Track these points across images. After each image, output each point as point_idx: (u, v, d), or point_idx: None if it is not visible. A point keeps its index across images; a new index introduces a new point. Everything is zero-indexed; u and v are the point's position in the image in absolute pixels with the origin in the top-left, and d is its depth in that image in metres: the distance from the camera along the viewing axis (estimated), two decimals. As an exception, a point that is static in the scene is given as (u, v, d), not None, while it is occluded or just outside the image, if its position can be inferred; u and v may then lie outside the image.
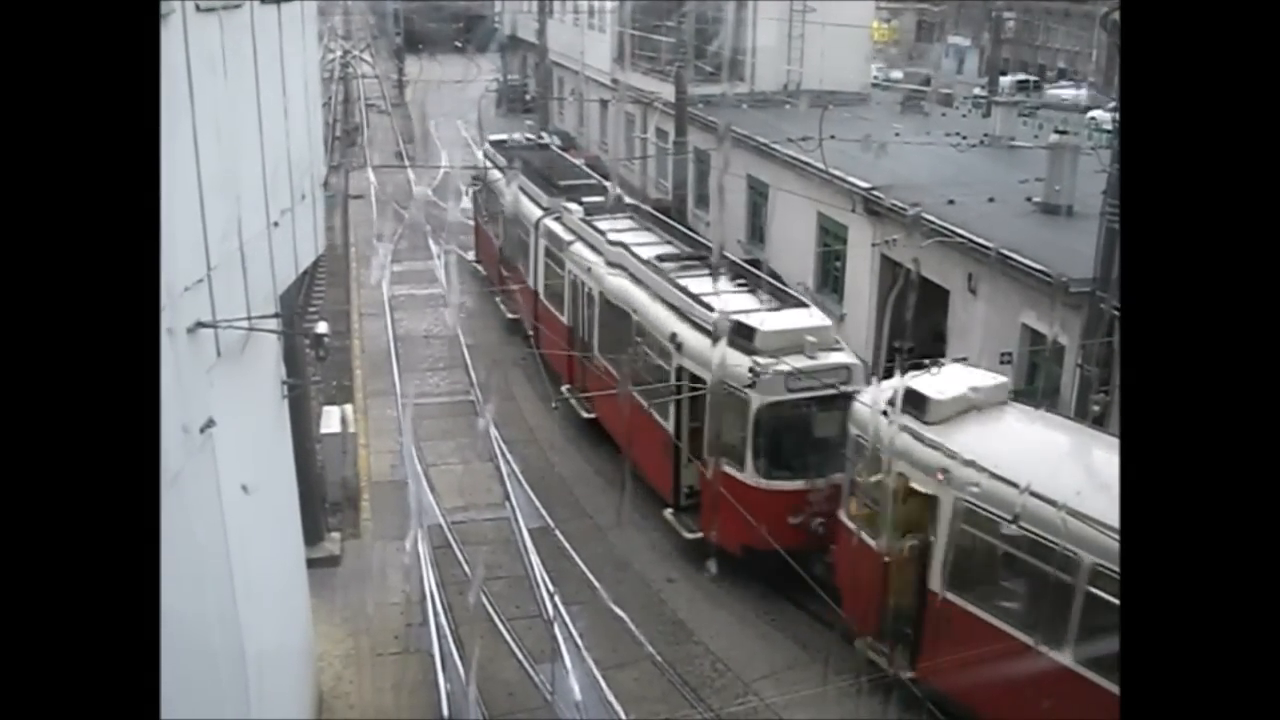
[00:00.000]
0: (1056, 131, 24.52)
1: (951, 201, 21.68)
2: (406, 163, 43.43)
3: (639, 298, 18.71)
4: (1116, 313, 16.12)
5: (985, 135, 29.11)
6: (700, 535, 16.67)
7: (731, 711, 13.85)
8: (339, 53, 61.43)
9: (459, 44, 66.11)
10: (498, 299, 28.09)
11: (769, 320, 16.09)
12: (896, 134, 27.57)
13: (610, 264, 20.16)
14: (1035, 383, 18.45)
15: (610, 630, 15.08)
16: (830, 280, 25.98)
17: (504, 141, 31.36)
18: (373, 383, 24.02)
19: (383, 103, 58.28)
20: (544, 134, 45.32)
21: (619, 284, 19.49)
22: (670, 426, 17.26)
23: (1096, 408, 15.62)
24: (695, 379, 16.74)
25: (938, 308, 21.12)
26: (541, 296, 23.92)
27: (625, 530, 17.96)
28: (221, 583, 8.60)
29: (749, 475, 15.72)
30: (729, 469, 15.86)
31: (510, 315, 26.88)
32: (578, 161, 30.26)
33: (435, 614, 15.33)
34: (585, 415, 21.13)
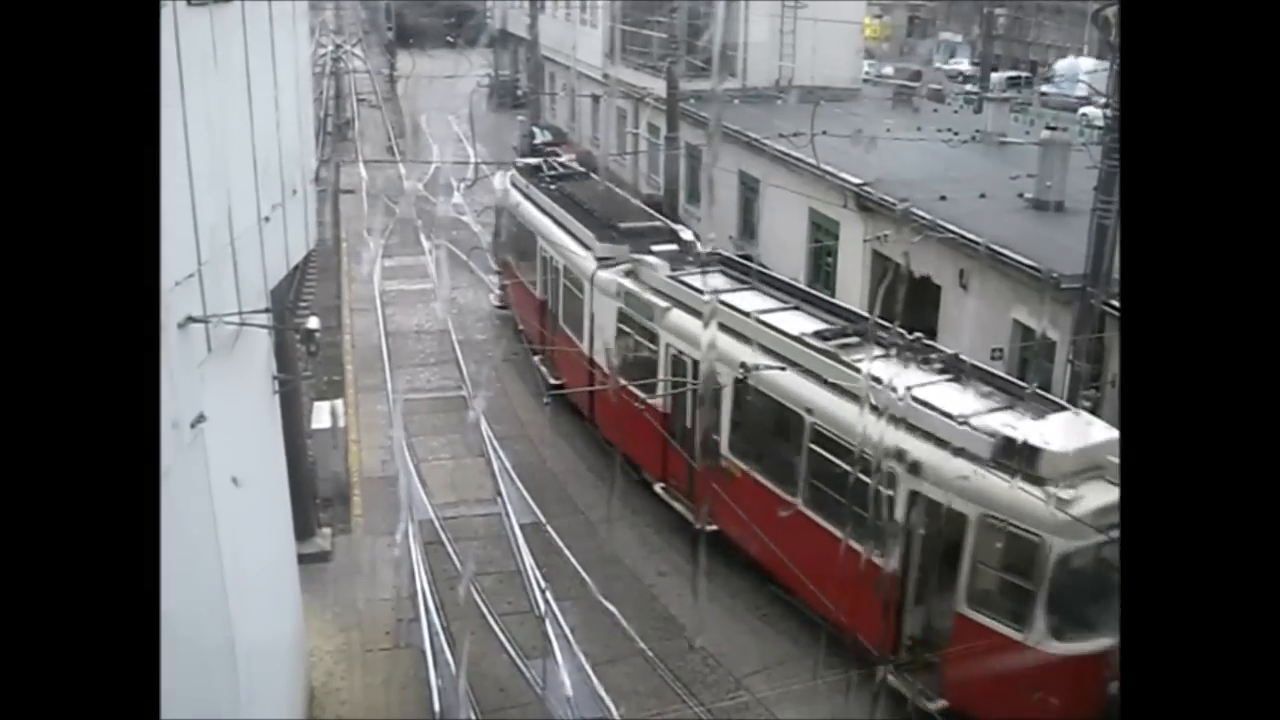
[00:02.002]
0: (1048, 128, 24.58)
1: (943, 197, 21.72)
2: (398, 157, 43.37)
3: (812, 394, 14.41)
4: (1107, 308, 16.18)
5: (977, 131, 29.18)
6: (945, 705, 12.87)
7: (722, 707, 13.87)
8: (330, 47, 61.20)
9: (450, 39, 66.00)
10: (537, 358, 23.57)
11: (1054, 436, 12.46)
12: (888, 130, 27.61)
13: (742, 342, 15.86)
14: (1026, 378, 18.49)
15: (602, 625, 15.08)
16: (822, 276, 26.00)
17: (534, 168, 26.38)
18: (364, 378, 24.00)
19: (374, 97, 58.15)
20: (535, 129, 45.38)
21: (776, 375, 15.02)
22: (893, 567, 13.32)
23: (1087, 403, 15.66)
24: (933, 506, 12.86)
25: (929, 303, 21.15)
26: (611, 370, 19.22)
27: (616, 525, 17.97)
28: (212, 578, 8.58)
29: (1037, 637, 12.08)
30: (1001, 626, 12.31)
31: (554, 380, 22.39)
32: (628, 195, 26.01)
33: (426, 610, 15.33)
34: (700, 526, 16.62)
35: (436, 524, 17.76)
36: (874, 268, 23.38)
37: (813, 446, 14.41)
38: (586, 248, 20.50)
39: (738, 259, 19.91)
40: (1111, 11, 17.55)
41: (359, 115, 52.69)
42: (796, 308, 16.78)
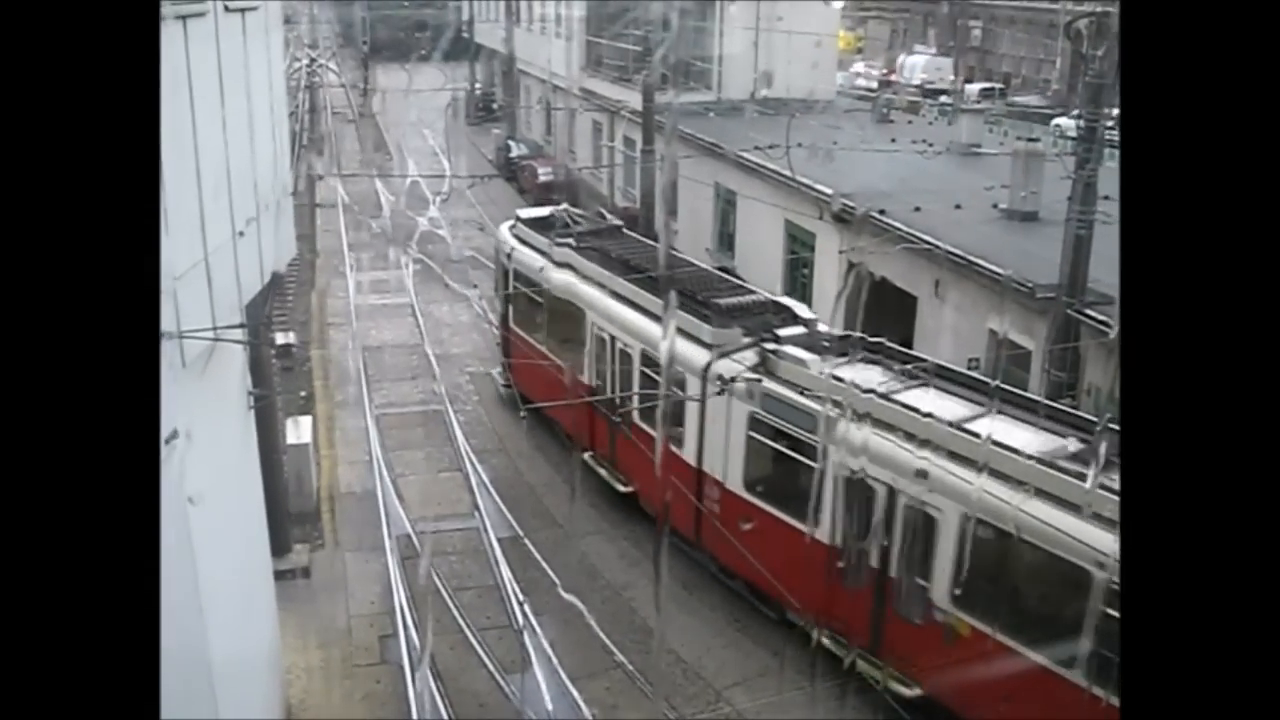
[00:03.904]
0: (1019, 139, 24.78)
1: (918, 208, 21.84)
2: (373, 172, 43.32)
3: (1096, 539, 10.93)
4: (1083, 317, 16.28)
5: (951, 142, 29.37)
6: None
7: (703, 719, 13.84)
8: (305, 61, 61.20)
9: (425, 53, 66.06)
10: (586, 455, 19.51)
11: None
12: (863, 141, 27.75)
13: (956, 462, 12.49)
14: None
15: (581, 639, 15.04)
16: (798, 287, 26.06)
17: (544, 221, 22.38)
18: (340, 393, 23.90)
19: (349, 111, 58.12)
20: (511, 142, 45.42)
21: (1024, 516, 11.67)
22: None
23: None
24: None
25: (905, 313, 21.23)
26: (747, 493, 15.48)
27: (594, 539, 17.94)
28: (187, 595, 8.51)
29: None
30: None
31: (625, 488, 18.58)
32: (690, 258, 22.23)
33: (404, 625, 15.26)
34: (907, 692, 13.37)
35: (414, 539, 17.70)
36: (849, 279, 23.43)
37: (1110, 612, 10.89)
38: (687, 334, 16.21)
39: (875, 340, 15.74)
40: (1083, 23, 17.70)
41: (334, 130, 52.60)
42: (1000, 412, 13.25)
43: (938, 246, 19.88)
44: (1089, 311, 16.28)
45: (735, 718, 13.87)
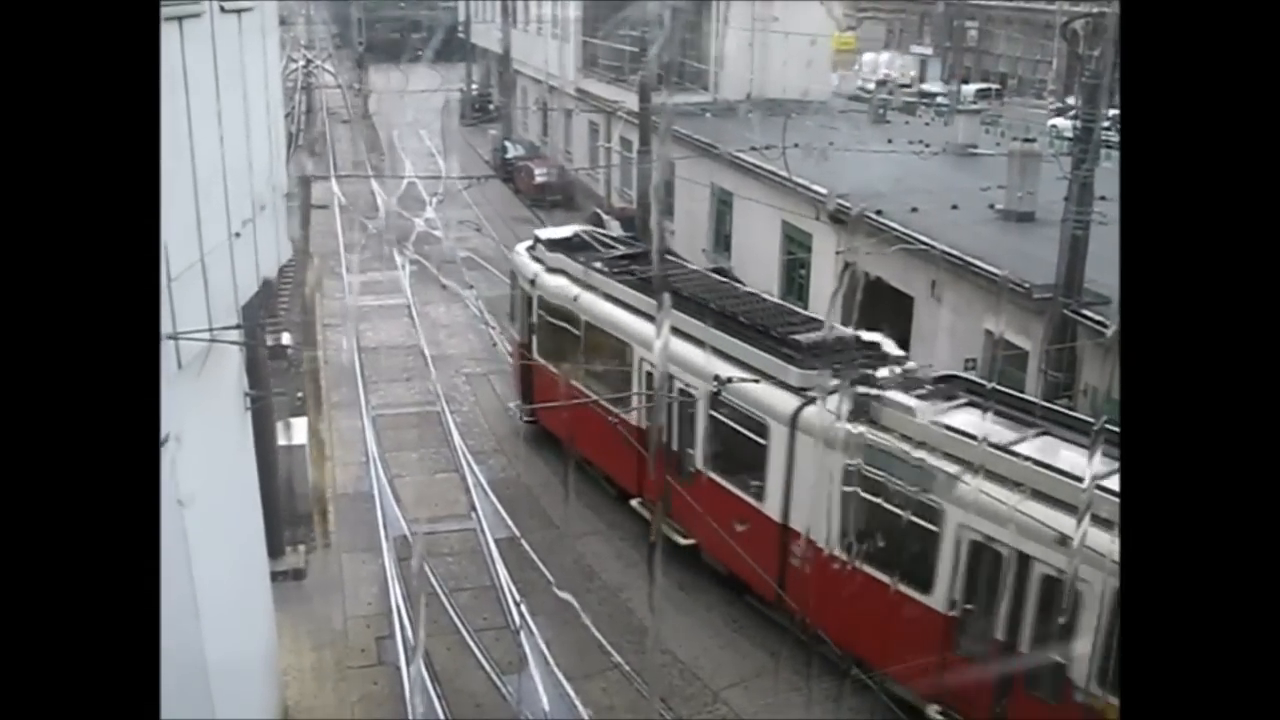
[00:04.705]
0: (1014, 139, 24.80)
1: (915, 209, 21.85)
2: (370, 173, 43.29)
3: None
4: (1079, 318, 16.30)
5: (947, 143, 29.40)
6: None
7: (700, 720, 13.85)
8: (301, 62, 61.16)
9: (421, 53, 66.04)
10: (634, 501, 18.12)
11: None
12: (859, 142, 27.77)
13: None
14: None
15: (577, 639, 15.03)
16: (795, 288, 26.08)
17: (567, 241, 20.78)
18: (337, 394, 23.87)
19: (346, 112, 58.07)
20: (507, 143, 45.40)
21: None
22: None
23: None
24: None
25: (902, 314, 21.24)
26: (845, 554, 13.64)
27: (591, 539, 17.92)
28: (183, 597, 8.50)
29: None
30: None
31: (684, 540, 16.59)
32: (735, 281, 20.54)
33: (401, 626, 15.24)
34: None
35: (410, 540, 17.67)
36: (844, 279, 23.43)
37: None
38: (767, 376, 14.67)
39: (974, 378, 14.55)
40: (1079, 24, 17.75)
41: (331, 130, 52.55)
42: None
43: (934, 247, 19.90)
44: (1085, 312, 16.30)
45: (732, 718, 13.88)
